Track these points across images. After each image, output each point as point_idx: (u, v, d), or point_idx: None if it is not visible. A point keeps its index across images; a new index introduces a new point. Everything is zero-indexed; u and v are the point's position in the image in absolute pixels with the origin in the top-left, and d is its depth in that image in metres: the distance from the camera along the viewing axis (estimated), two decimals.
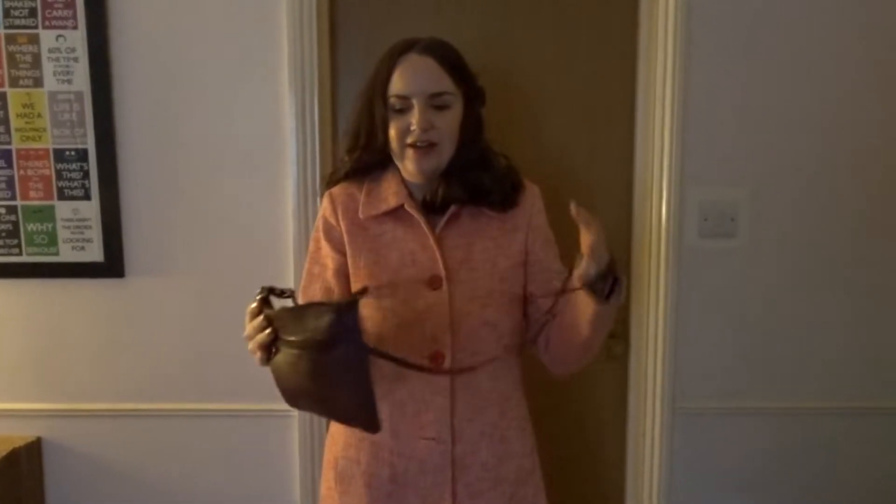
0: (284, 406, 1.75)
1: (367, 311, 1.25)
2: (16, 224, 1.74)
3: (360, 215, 1.31)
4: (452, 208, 1.29)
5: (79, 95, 1.70)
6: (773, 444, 1.85)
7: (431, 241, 1.27)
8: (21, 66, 1.69)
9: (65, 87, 1.70)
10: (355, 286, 1.29)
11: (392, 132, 1.25)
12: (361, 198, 1.32)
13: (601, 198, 1.84)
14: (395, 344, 1.24)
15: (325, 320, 1.06)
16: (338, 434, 1.35)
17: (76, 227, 1.74)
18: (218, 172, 1.74)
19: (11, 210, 1.74)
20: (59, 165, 1.72)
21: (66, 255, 1.75)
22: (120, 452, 1.84)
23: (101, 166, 1.72)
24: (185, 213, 1.76)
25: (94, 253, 1.75)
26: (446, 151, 1.26)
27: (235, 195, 1.75)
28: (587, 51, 1.81)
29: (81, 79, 1.69)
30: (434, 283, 1.25)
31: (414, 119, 1.22)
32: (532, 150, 1.82)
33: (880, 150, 1.76)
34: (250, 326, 1.18)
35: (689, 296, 1.78)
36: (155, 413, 1.82)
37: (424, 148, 1.24)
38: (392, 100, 1.24)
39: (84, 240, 1.75)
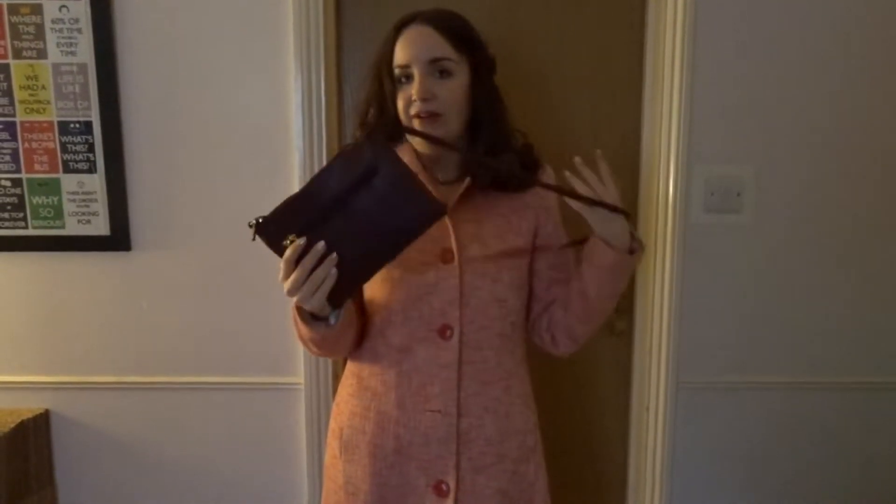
0: (290, 378, 1.81)
1: (378, 281, 1.27)
2: (21, 197, 1.74)
3: None
4: (467, 182, 1.29)
5: (82, 67, 1.69)
6: (777, 419, 1.86)
7: None
8: (24, 37, 1.67)
9: (68, 58, 1.68)
10: None
11: (399, 105, 1.25)
12: None
13: None
14: (405, 315, 1.26)
15: (364, 154, 1.07)
16: (343, 404, 1.36)
17: (82, 201, 1.74)
18: (224, 146, 1.74)
19: (17, 183, 1.74)
20: (64, 138, 1.71)
21: (72, 228, 1.75)
22: (127, 425, 1.85)
23: (105, 139, 1.71)
24: (191, 187, 1.75)
25: (100, 226, 1.75)
26: (453, 121, 1.25)
27: (241, 168, 1.74)
28: (595, 28, 1.79)
29: (85, 50, 1.68)
30: (445, 256, 1.26)
31: (414, 89, 1.22)
32: (538, 127, 1.80)
33: (885, 128, 1.75)
34: (306, 259, 1.08)
35: (694, 271, 1.79)
36: (162, 386, 1.83)
37: (429, 118, 1.23)
38: (396, 71, 1.25)
39: (90, 213, 1.74)
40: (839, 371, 1.85)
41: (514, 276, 1.31)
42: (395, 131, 1.29)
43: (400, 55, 1.24)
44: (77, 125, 1.71)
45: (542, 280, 1.37)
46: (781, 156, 1.76)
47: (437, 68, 1.22)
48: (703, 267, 1.79)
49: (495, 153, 1.28)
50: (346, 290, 1.12)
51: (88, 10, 1.66)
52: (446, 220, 1.26)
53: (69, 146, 1.72)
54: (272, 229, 1.08)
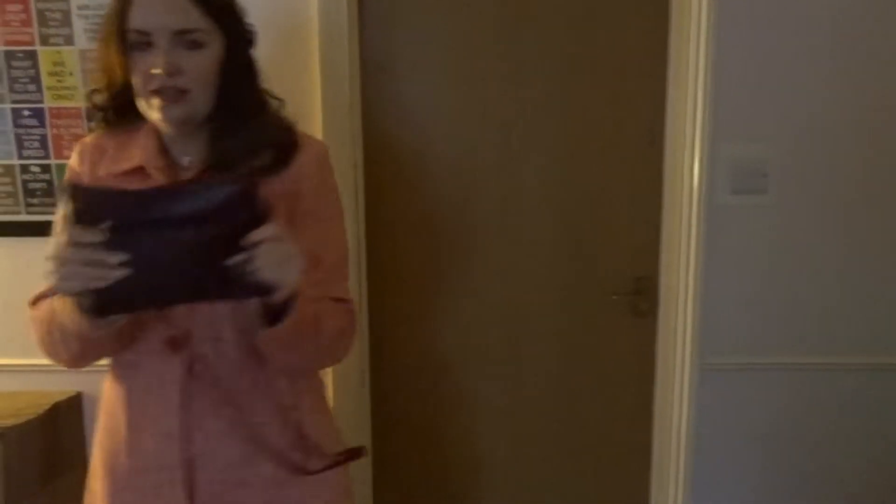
0: None
1: None
2: (50, 183, 1.76)
3: (101, 171, 1.13)
4: (195, 170, 1.10)
5: None
6: (801, 400, 1.87)
7: None
8: (51, 23, 1.68)
9: (96, 45, 1.69)
10: None
11: (135, 75, 1.05)
12: (110, 152, 1.14)
13: (631, 154, 1.84)
14: (134, 322, 1.08)
15: (221, 199, 0.90)
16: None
17: None
18: None
19: (45, 169, 1.75)
20: (92, 124, 1.72)
21: None
22: None
23: None
24: None
25: None
26: (200, 99, 1.07)
27: None
28: (619, 8, 1.78)
29: None
30: None
31: (157, 60, 1.03)
32: (562, 107, 1.81)
33: None
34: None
35: (718, 252, 1.79)
36: None
37: (172, 95, 1.04)
38: (131, 34, 1.03)
39: None
40: (866, 352, 1.84)
41: None
42: (127, 106, 1.10)
43: (137, 18, 1.03)
44: None
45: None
46: (807, 136, 1.75)
47: (186, 39, 1.03)
48: (728, 248, 1.79)
49: (247, 126, 1.10)
50: (120, 306, 0.97)
51: None
52: None
53: None
54: (86, 202, 0.93)
